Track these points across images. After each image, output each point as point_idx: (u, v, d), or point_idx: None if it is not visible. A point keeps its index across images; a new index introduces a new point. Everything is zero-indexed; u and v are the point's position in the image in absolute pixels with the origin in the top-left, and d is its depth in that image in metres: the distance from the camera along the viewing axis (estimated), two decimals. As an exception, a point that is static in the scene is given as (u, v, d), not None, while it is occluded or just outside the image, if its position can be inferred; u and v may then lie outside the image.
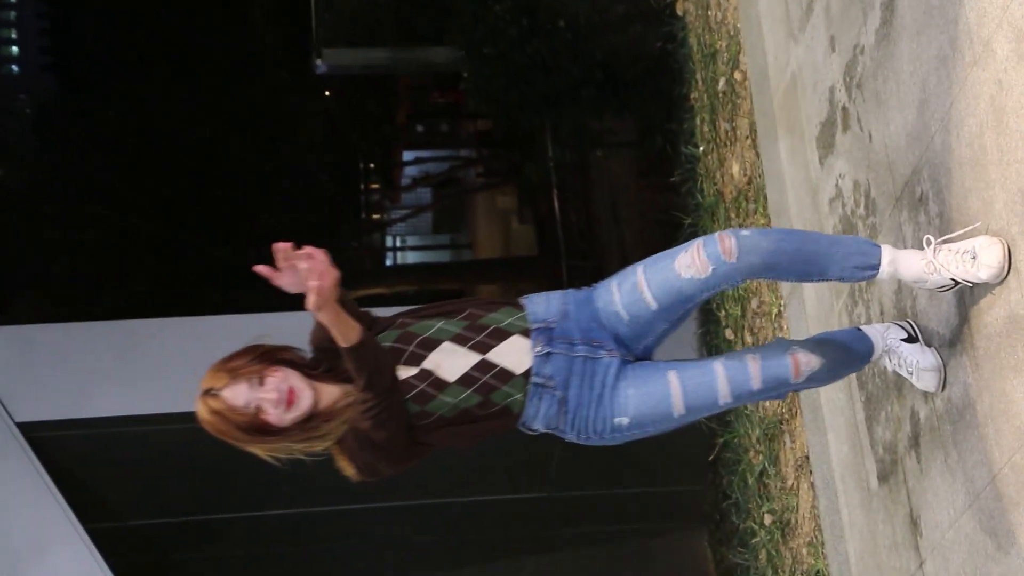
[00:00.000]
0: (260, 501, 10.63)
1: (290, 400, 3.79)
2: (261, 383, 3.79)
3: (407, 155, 23.10)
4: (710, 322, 8.57)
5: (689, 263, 3.85)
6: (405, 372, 3.85)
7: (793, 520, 6.91)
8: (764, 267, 3.89)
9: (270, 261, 3.65)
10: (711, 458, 8.61)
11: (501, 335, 3.94)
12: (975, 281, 3.89)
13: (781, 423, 7.05)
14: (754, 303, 7.51)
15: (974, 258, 3.84)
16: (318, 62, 15.75)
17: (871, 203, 5.13)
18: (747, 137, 7.65)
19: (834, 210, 5.66)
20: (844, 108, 5.46)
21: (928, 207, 4.44)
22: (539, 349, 3.91)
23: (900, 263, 4.03)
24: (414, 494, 10.82)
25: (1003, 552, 3.97)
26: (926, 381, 4.36)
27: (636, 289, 3.95)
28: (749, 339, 7.61)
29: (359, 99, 20.03)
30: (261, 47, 18.31)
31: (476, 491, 10.87)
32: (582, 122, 12.55)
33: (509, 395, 3.89)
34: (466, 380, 3.86)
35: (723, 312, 8.12)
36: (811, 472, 6.50)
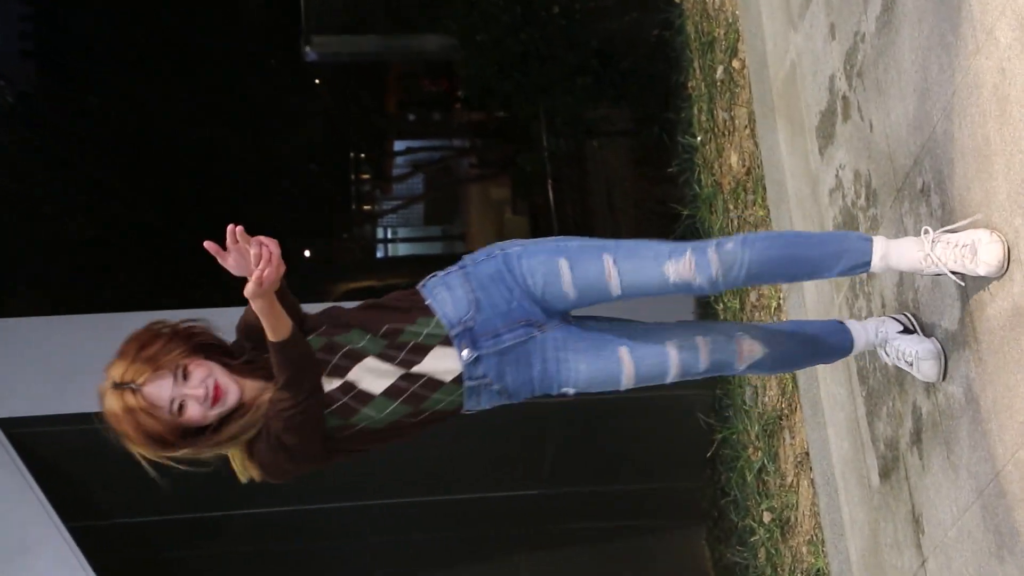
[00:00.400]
0: (249, 499, 10.63)
1: (216, 396, 3.70)
2: (186, 377, 3.68)
3: (398, 145, 23.06)
4: (708, 315, 8.58)
5: (680, 272, 3.90)
6: (328, 384, 3.80)
7: (793, 518, 6.92)
8: (749, 278, 3.97)
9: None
10: (709, 455, 8.62)
11: (421, 351, 3.86)
12: (971, 274, 3.91)
13: (780, 419, 7.06)
14: (753, 296, 7.52)
15: (974, 254, 3.85)
16: (307, 50, 15.76)
17: (872, 194, 5.13)
18: (745, 127, 7.66)
19: (834, 201, 5.66)
20: (844, 97, 5.47)
21: (930, 198, 4.44)
22: (466, 355, 3.87)
23: (893, 255, 4.07)
24: (407, 492, 10.83)
25: (1007, 550, 3.98)
26: (926, 370, 4.36)
27: (601, 276, 3.93)
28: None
29: (349, 88, 20.02)
30: (249, 34, 18.28)
31: (471, 488, 10.88)
32: (577, 111, 12.55)
33: (440, 400, 3.87)
34: (392, 391, 3.82)
35: (721, 305, 8.12)
36: (811, 469, 6.51)
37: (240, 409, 3.75)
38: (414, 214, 24.86)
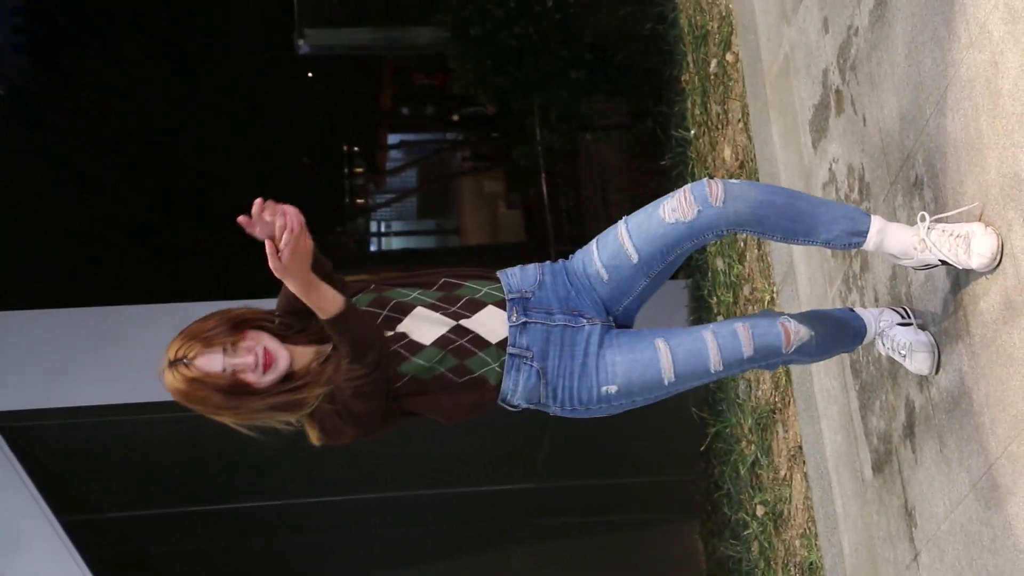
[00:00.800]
0: (241, 492, 10.64)
1: (267, 363, 3.74)
2: (234, 349, 3.73)
3: (392, 138, 23.04)
4: (701, 309, 8.59)
5: (675, 207, 3.84)
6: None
7: (786, 511, 6.93)
8: (751, 217, 3.87)
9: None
10: (703, 448, 8.63)
11: (476, 305, 3.94)
12: (962, 266, 3.92)
13: (774, 412, 7.07)
14: (747, 290, 7.53)
15: (967, 245, 3.85)
16: (300, 43, 15.74)
17: (865, 187, 5.14)
18: (739, 120, 7.66)
19: (828, 195, 5.67)
20: (838, 91, 5.47)
21: (923, 191, 4.45)
22: (515, 319, 3.92)
23: (889, 234, 4.01)
24: (400, 485, 10.83)
25: (999, 543, 3.99)
26: (919, 362, 4.37)
27: (617, 241, 3.95)
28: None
29: (343, 81, 20.00)
30: (242, 28, 18.26)
31: (464, 482, 10.88)
32: (571, 105, 12.54)
33: (485, 363, 3.87)
34: (441, 342, 3.85)
35: (715, 299, 8.13)
36: (804, 462, 6.52)
37: (295, 375, 3.78)
38: (407, 208, 24.85)
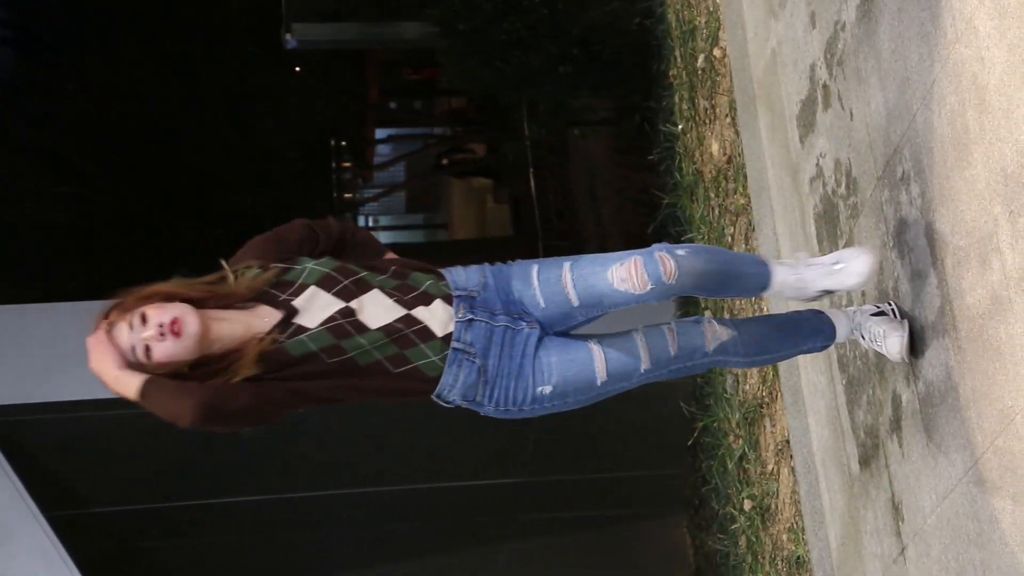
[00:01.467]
0: (228, 488, 10.62)
1: (174, 329, 3.69)
2: (143, 322, 3.72)
3: (380, 133, 23.03)
4: (688, 305, 8.59)
5: (625, 277, 3.94)
6: (332, 304, 3.88)
7: (773, 505, 6.94)
8: (694, 287, 4.06)
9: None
10: (690, 442, 8.64)
11: (427, 298, 3.99)
12: (842, 289, 4.31)
13: (761, 407, 7.08)
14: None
15: (846, 266, 4.28)
16: (288, 37, 15.70)
17: (852, 182, 5.15)
18: (726, 115, 7.67)
19: (815, 190, 5.68)
20: (825, 86, 5.48)
21: (910, 186, 4.46)
22: (461, 315, 3.97)
23: (782, 281, 4.28)
24: (387, 480, 10.83)
25: (986, 537, 4.00)
26: (891, 346, 4.45)
27: (560, 284, 4.04)
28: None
29: (330, 75, 19.98)
30: (229, 21, 18.23)
31: (452, 477, 10.88)
32: (559, 100, 12.54)
33: (424, 356, 3.92)
34: (388, 329, 3.89)
35: (702, 304, 8.13)
36: (791, 457, 6.53)
37: (221, 352, 3.78)
38: (396, 202, 24.85)
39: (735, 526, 7.62)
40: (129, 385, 3.74)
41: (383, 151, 23.36)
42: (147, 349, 3.69)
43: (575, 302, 4.03)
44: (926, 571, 4.57)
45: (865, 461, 5.25)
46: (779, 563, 6.83)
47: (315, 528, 11.36)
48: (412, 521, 11.57)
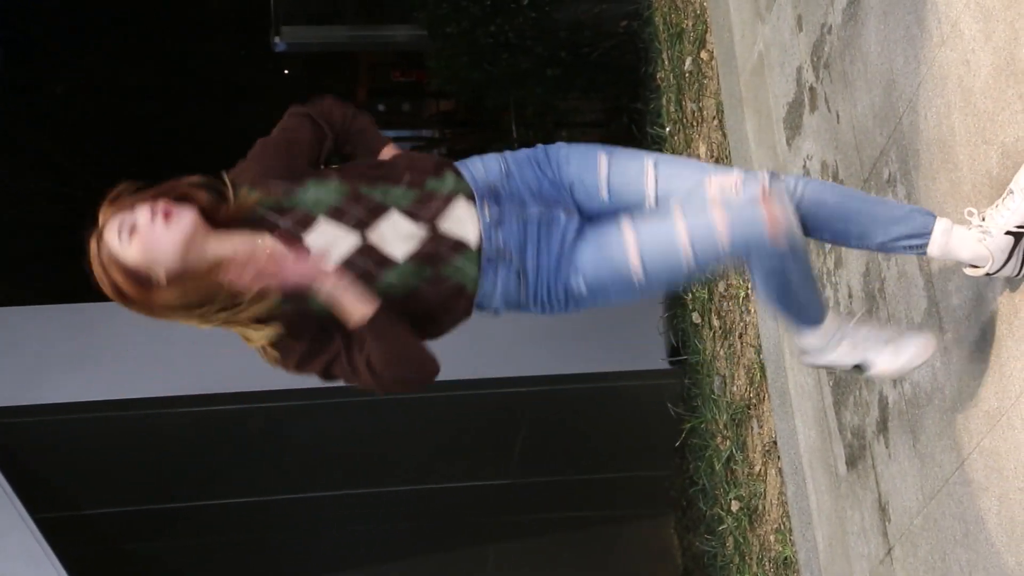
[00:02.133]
0: (217, 489, 10.62)
1: (166, 213, 3.36)
2: (132, 210, 3.39)
3: (368, 135, 23.05)
4: (676, 306, 8.60)
5: (725, 187, 3.45)
6: (346, 238, 3.47)
7: (760, 506, 6.95)
8: (799, 217, 3.48)
9: None
10: (678, 443, 8.64)
11: (449, 203, 3.54)
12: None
13: (749, 408, 7.09)
14: (721, 286, 7.54)
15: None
16: (276, 40, 15.70)
17: (839, 184, 5.16)
18: (714, 117, 7.68)
19: (802, 192, 5.68)
20: (811, 88, 5.49)
21: (896, 188, 4.47)
22: (487, 216, 3.55)
23: (955, 236, 3.54)
24: (376, 482, 10.83)
25: (972, 538, 4.01)
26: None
27: (640, 180, 3.61)
28: (716, 322, 7.64)
29: (320, 77, 19.98)
30: (218, 24, 18.23)
31: (440, 478, 10.88)
32: (547, 102, 12.55)
33: (461, 269, 3.52)
34: (416, 256, 3.48)
35: (690, 296, 8.14)
36: (779, 458, 6.54)
37: (202, 262, 3.41)
38: (384, 203, 24.87)
39: (723, 527, 7.63)
40: (355, 306, 3.42)
41: (372, 153, 23.35)
42: (132, 229, 3.35)
43: (651, 203, 3.59)
44: (913, 571, 4.58)
45: (852, 462, 5.25)
46: (766, 564, 6.83)
47: (302, 529, 11.35)
48: (402, 522, 11.57)
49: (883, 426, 4.80)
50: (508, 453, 10.57)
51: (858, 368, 3.71)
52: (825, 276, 5.47)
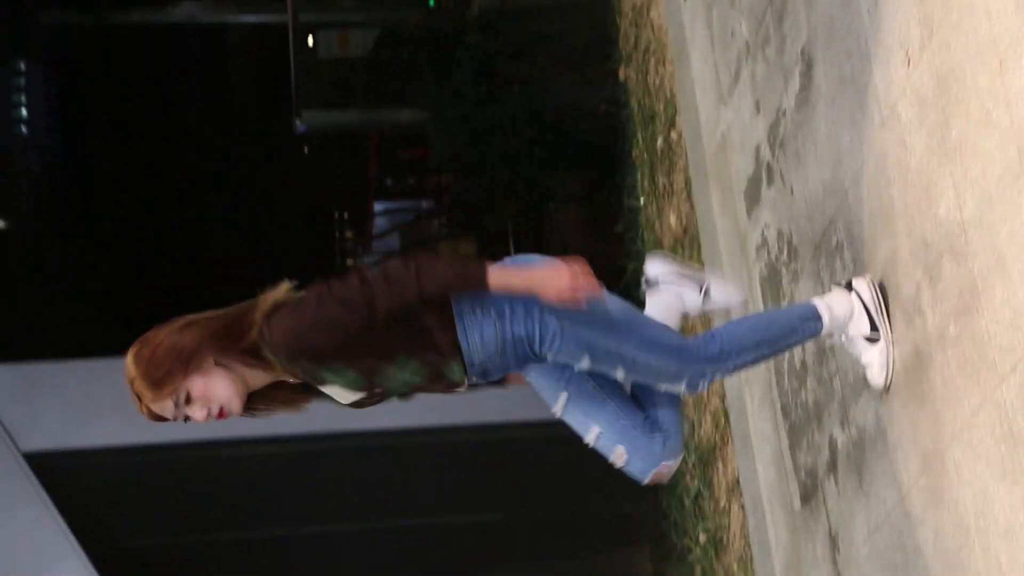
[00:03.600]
0: (256, 522, 10.59)
1: (222, 414, 3.47)
2: (188, 401, 3.43)
3: (377, 206, 23.08)
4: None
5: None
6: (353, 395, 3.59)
7: (725, 538, 6.91)
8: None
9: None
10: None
11: (451, 386, 3.65)
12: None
13: (714, 450, 7.06)
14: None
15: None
16: (297, 123, 15.79)
17: (793, 250, 5.16)
18: (683, 190, 7.68)
19: (760, 257, 5.69)
20: (769, 165, 5.50)
21: (843, 254, 4.47)
22: (475, 379, 3.64)
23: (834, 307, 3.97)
24: (357, 518, 10.74)
25: (912, 566, 3.99)
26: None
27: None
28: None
29: (334, 155, 20.07)
30: (246, 107, 18.36)
31: (420, 514, 10.82)
32: (535, 177, 12.59)
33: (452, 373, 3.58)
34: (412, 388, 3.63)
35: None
36: (741, 494, 6.51)
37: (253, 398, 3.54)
38: (392, 268, 24.88)
39: (691, 557, 7.59)
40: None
41: (380, 222, 23.41)
42: (187, 418, 3.47)
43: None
44: (860, 596, 4.55)
45: (806, 498, 5.23)
46: (731, 589, 6.80)
47: (298, 564, 11.24)
48: (381, 557, 11.48)
49: (833, 466, 4.78)
50: (490, 491, 10.52)
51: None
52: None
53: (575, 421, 3.85)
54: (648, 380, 3.73)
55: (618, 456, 3.81)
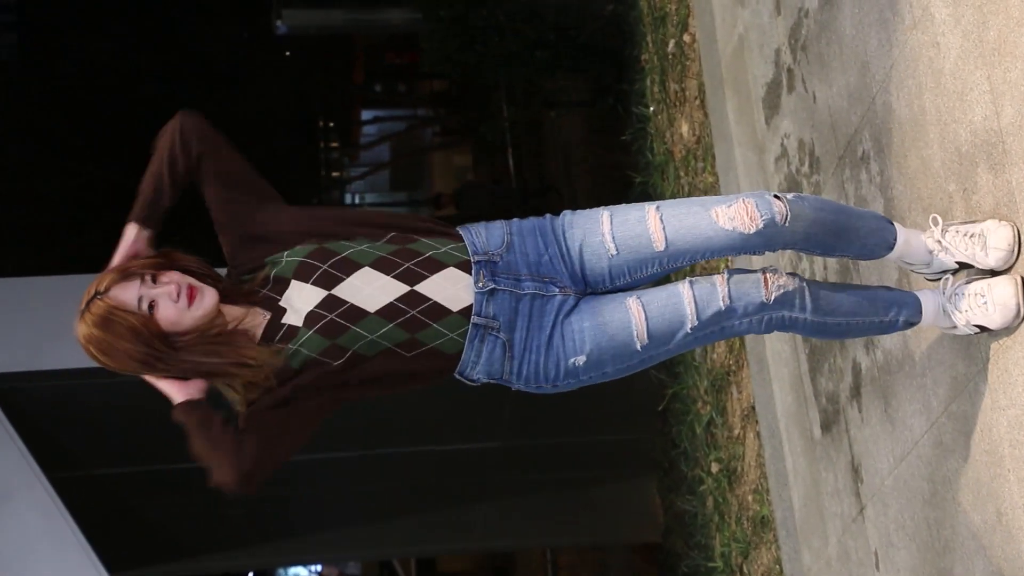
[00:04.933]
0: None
1: (191, 295, 3.26)
2: (155, 281, 3.26)
3: (365, 114, 23.03)
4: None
5: (734, 216, 3.31)
6: (314, 295, 3.30)
7: (739, 468, 6.96)
8: (803, 237, 3.42)
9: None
10: (660, 408, 8.65)
11: (435, 265, 3.34)
12: (982, 266, 3.52)
13: (728, 375, 7.10)
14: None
15: (984, 241, 3.50)
16: (278, 23, 15.70)
17: (815, 161, 5.16)
18: (696, 98, 7.67)
19: (780, 168, 5.69)
20: (789, 70, 5.49)
21: (870, 165, 4.47)
22: (481, 285, 3.33)
23: (911, 243, 3.59)
24: (366, 444, 10.82)
25: (940, 497, 4.02)
26: (998, 296, 3.51)
27: (643, 224, 3.38)
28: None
29: (318, 59, 19.97)
30: (221, 7, 18.24)
31: (427, 441, 10.89)
32: (536, 82, 12.56)
33: (441, 335, 3.29)
34: (389, 312, 3.28)
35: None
36: (757, 422, 6.55)
37: (224, 332, 3.31)
38: (381, 180, 24.83)
39: (703, 488, 7.65)
40: (168, 391, 3.42)
41: (369, 131, 23.35)
42: (152, 304, 3.23)
43: (660, 246, 3.35)
44: (883, 529, 4.60)
45: (826, 426, 5.27)
46: (744, 522, 6.85)
47: (301, 487, 11.36)
48: (391, 483, 11.59)
49: (856, 392, 4.81)
50: (496, 417, 10.58)
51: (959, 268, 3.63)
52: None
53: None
54: (688, 205, 3.48)
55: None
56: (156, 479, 10.84)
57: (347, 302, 3.29)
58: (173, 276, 3.27)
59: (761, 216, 3.31)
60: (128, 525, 11.29)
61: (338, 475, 11.26)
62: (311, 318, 3.28)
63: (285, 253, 3.40)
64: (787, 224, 3.33)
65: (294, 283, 3.34)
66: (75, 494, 9.74)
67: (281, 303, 3.34)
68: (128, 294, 3.23)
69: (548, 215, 3.50)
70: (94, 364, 3.39)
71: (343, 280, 3.31)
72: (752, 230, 3.31)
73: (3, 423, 9.43)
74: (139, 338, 3.23)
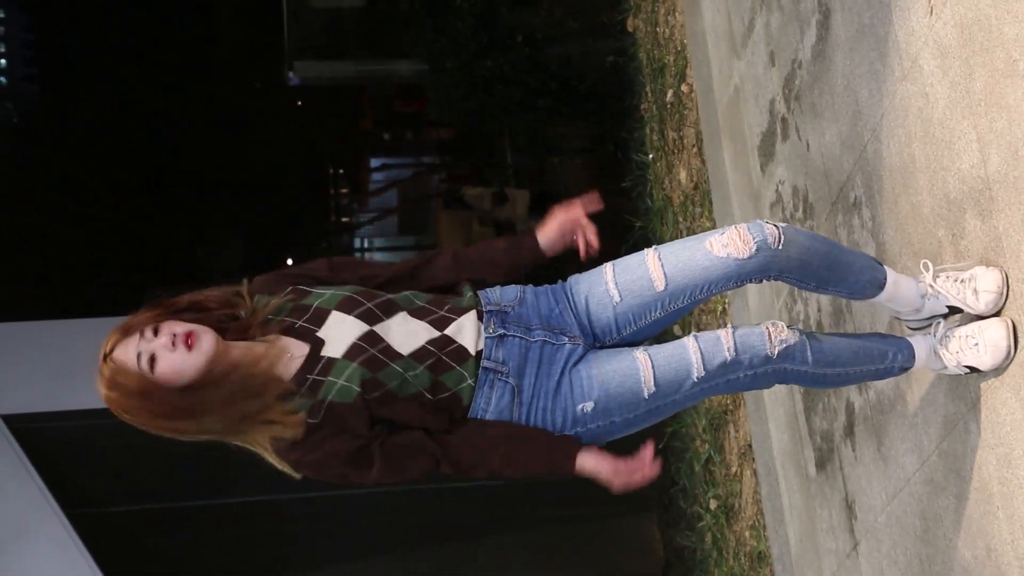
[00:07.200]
0: (236, 487, 10.62)
1: (187, 341, 3.16)
2: (156, 333, 3.18)
3: (374, 161, 23.10)
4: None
5: (727, 243, 3.30)
6: (355, 327, 3.28)
7: (737, 505, 6.95)
8: (798, 264, 3.37)
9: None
10: (660, 446, 8.64)
11: (459, 310, 3.38)
12: (972, 310, 3.50)
13: (726, 413, 7.09)
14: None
15: (974, 286, 3.47)
16: (290, 74, 15.77)
17: (809, 207, 5.17)
18: (693, 145, 7.69)
19: (775, 214, 5.70)
20: (783, 119, 5.50)
21: (861, 211, 4.48)
22: (491, 330, 3.35)
23: (901, 287, 3.56)
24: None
25: (931, 534, 4.01)
26: (989, 338, 3.48)
27: (643, 266, 3.38)
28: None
29: (328, 108, 20.04)
30: (236, 60, 18.31)
31: (431, 478, 10.87)
32: (538, 130, 12.59)
33: (461, 379, 3.29)
34: (420, 355, 3.29)
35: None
36: (753, 460, 6.54)
37: (228, 371, 3.21)
38: (389, 225, 24.88)
39: (702, 524, 7.63)
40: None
41: (377, 178, 23.42)
42: (152, 359, 3.14)
43: (660, 285, 3.34)
44: (876, 565, 4.58)
45: (821, 464, 5.26)
46: (742, 558, 6.83)
47: (311, 523, 11.33)
48: (394, 519, 11.55)
49: (850, 430, 4.81)
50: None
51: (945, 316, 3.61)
52: (796, 291, 5.48)
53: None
54: (683, 242, 3.50)
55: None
56: (171, 516, 10.84)
57: (384, 341, 3.28)
58: (171, 327, 3.18)
59: (753, 239, 3.30)
60: (144, 561, 11.26)
61: (327, 515, 11.23)
62: (353, 350, 3.26)
63: (332, 287, 3.42)
64: (780, 247, 3.32)
65: (335, 313, 3.32)
66: (92, 530, 9.74)
67: (319, 334, 3.29)
68: (129, 353, 3.17)
69: (559, 280, 3.52)
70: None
71: (383, 320, 3.31)
72: (746, 254, 3.29)
73: (23, 461, 9.45)
74: (146, 395, 3.18)
